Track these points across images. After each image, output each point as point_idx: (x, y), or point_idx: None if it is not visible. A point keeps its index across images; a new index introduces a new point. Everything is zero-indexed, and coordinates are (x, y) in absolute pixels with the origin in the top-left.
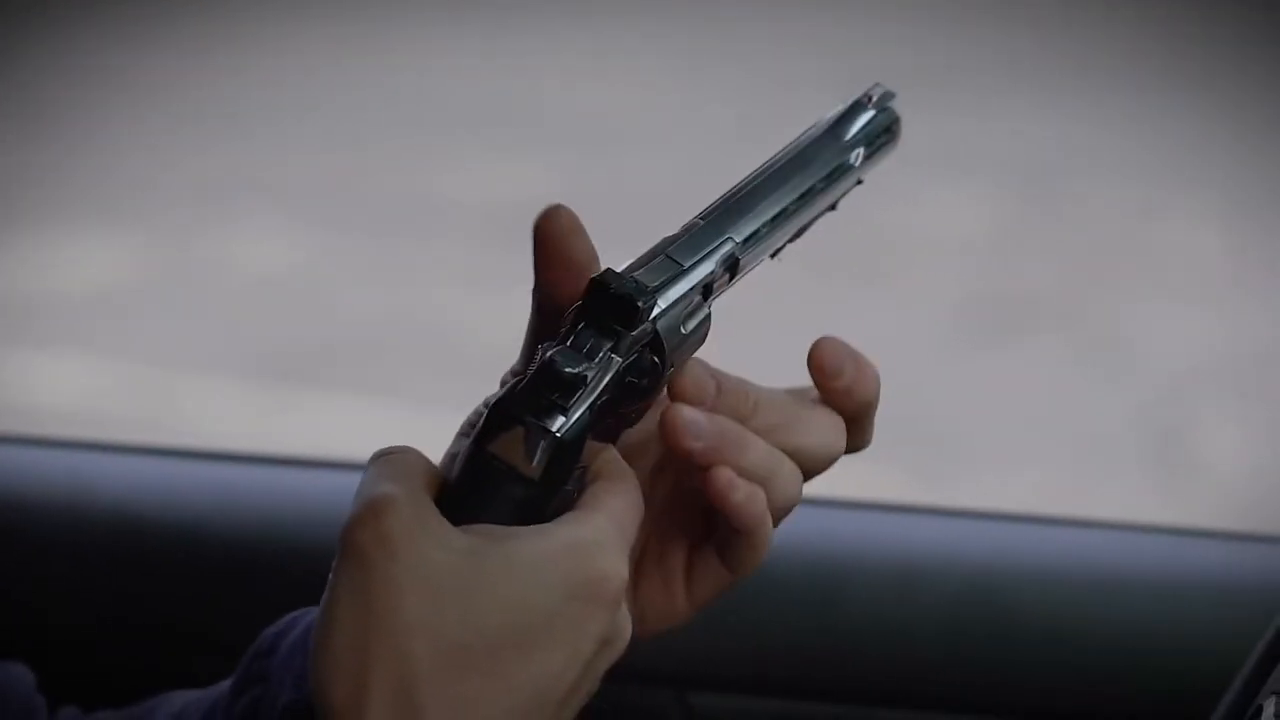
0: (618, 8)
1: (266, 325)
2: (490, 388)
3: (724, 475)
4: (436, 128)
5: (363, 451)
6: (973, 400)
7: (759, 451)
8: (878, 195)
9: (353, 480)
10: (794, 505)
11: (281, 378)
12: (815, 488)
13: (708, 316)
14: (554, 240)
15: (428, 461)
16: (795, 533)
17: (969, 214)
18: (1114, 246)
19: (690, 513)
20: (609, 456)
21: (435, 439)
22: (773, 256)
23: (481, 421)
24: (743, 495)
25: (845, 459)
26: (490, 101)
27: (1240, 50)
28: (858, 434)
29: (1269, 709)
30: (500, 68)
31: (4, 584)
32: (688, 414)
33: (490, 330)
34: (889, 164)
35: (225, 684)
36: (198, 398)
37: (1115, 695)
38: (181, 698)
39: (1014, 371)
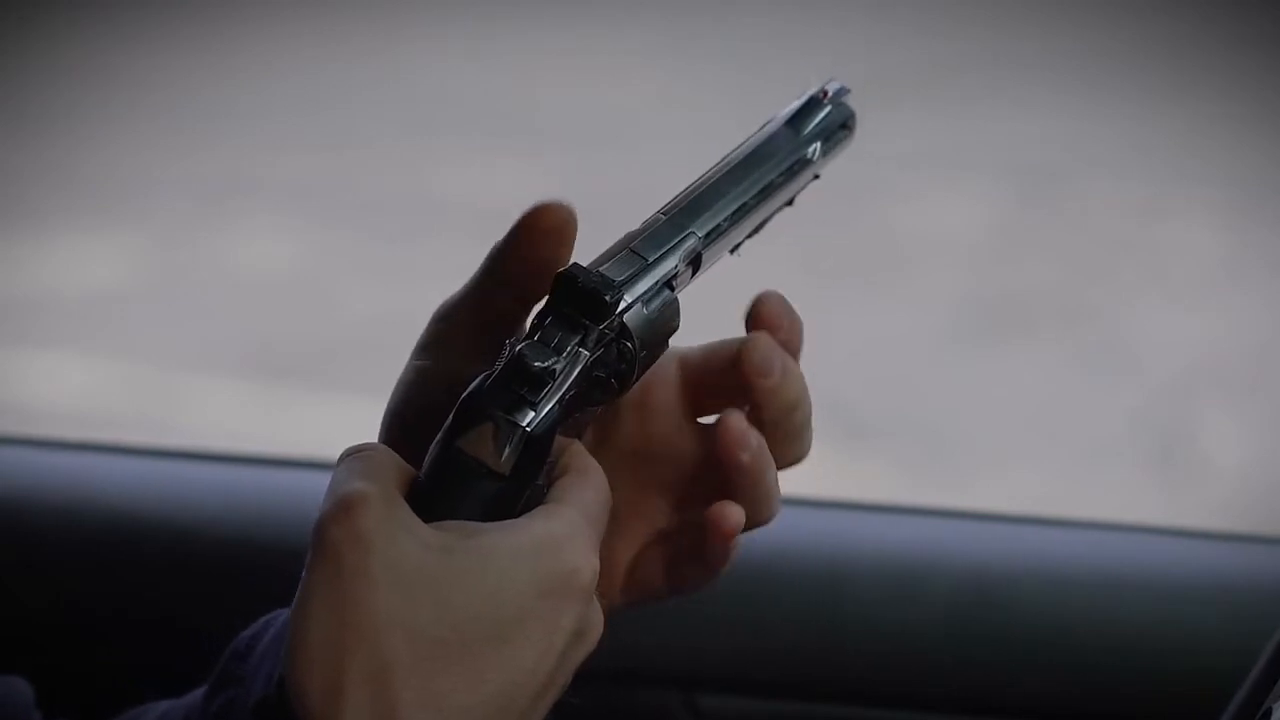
0: (617, 7)
1: (266, 325)
2: None
3: (733, 516)
4: (436, 127)
5: None
6: (974, 400)
7: (775, 473)
8: (879, 195)
9: None
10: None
11: (281, 377)
12: (817, 489)
13: (675, 303)
14: (541, 235)
15: (398, 458)
16: (798, 534)
17: (970, 214)
18: (1115, 245)
19: (644, 519)
20: (576, 450)
21: None
22: (732, 252)
23: (451, 418)
24: (738, 527)
25: (847, 457)
26: (490, 101)
27: (1242, 49)
28: (783, 440)
29: (1278, 713)
30: (500, 67)
31: (2, 585)
32: (742, 425)
33: None
34: (891, 163)
35: (201, 690)
36: (198, 397)
37: (1117, 698)
38: (159, 707)
39: (1015, 371)
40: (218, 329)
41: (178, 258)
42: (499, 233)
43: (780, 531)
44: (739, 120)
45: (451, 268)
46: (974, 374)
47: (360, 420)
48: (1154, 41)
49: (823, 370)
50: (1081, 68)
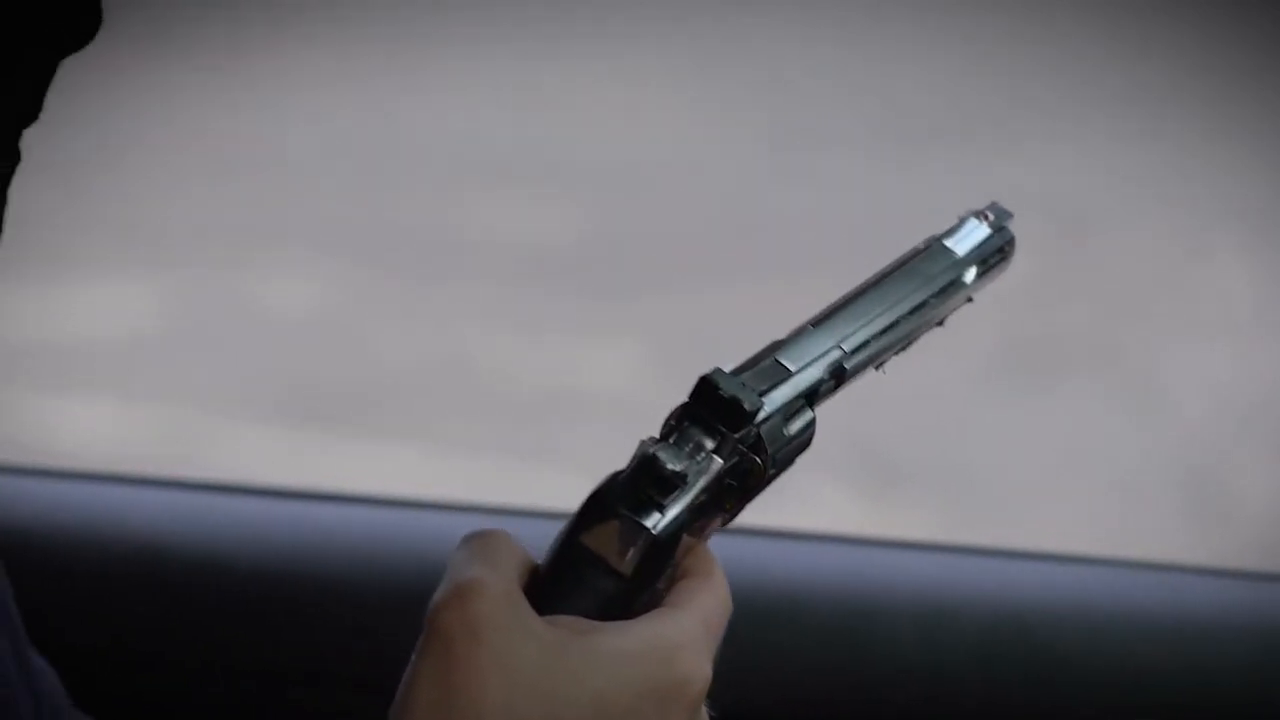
0: (648, 48)
1: (297, 368)
2: (517, 430)
3: None
4: (468, 168)
5: (391, 490)
6: (1010, 444)
7: None
8: (907, 235)
9: (378, 515)
10: None
11: (312, 421)
12: (848, 526)
13: (813, 421)
14: None
15: (519, 546)
16: (828, 571)
17: None
18: (1149, 286)
19: None
20: (700, 552)
21: (462, 481)
22: (877, 368)
23: (577, 512)
24: None
25: (878, 497)
26: (522, 142)
27: (1274, 81)
28: None
29: None
30: (532, 108)
31: (35, 617)
32: None
33: (520, 372)
34: (918, 203)
35: None
36: (228, 441)
37: None
38: None
39: (1051, 414)
40: (248, 372)
41: (208, 300)
42: (532, 275)
43: (811, 568)
44: (768, 164)
45: (483, 310)
46: (1011, 416)
47: (389, 463)
48: (1190, 79)
49: (855, 416)
50: (1114, 107)
